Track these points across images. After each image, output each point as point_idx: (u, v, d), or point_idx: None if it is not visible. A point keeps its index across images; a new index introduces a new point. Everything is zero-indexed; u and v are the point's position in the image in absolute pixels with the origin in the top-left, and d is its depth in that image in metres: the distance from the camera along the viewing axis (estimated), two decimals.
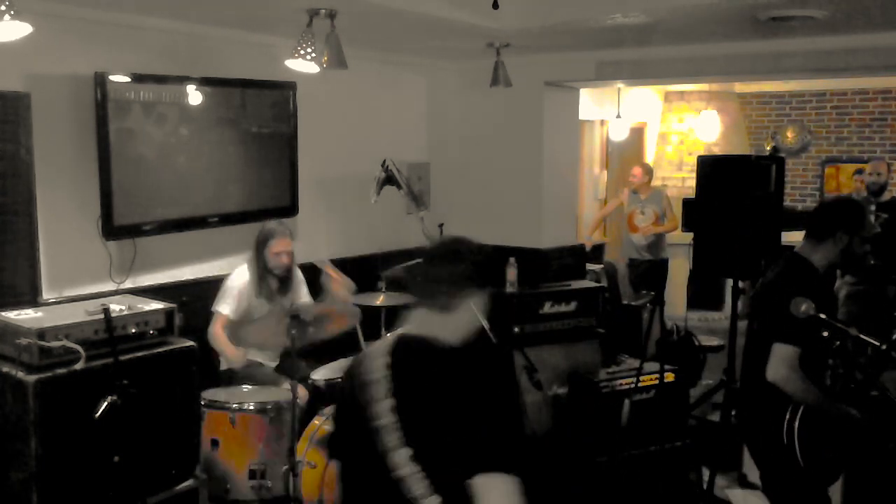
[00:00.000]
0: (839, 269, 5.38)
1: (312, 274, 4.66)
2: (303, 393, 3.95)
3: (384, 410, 1.88)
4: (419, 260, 2.15)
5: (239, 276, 4.33)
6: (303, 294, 4.53)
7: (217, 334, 4.22)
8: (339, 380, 2.17)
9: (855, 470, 3.34)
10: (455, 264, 2.04)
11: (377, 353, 2.00)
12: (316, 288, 4.62)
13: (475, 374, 1.96)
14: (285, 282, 4.38)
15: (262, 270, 4.30)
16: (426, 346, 2.01)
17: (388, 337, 2.07)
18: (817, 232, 3.17)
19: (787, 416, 2.95)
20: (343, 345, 4.47)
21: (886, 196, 6.29)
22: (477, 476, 1.80)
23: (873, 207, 6.14)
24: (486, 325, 2.80)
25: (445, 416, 1.85)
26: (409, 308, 2.11)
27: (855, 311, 6.00)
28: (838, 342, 3.09)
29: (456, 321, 2.04)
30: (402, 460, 1.84)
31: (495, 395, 1.99)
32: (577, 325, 5.14)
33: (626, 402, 4.50)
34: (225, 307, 4.25)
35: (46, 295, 4.03)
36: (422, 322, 2.06)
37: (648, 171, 7.53)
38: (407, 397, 1.89)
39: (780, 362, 2.94)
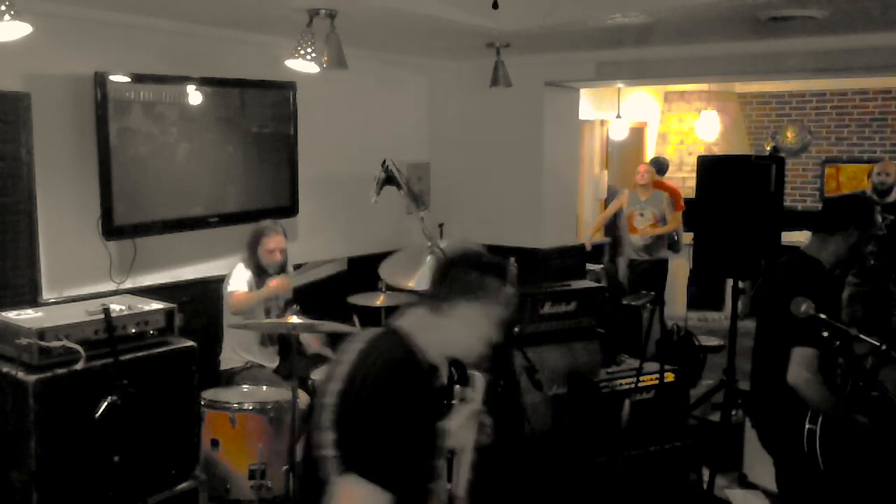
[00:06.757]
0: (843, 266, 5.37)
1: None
2: (303, 397, 3.95)
3: (332, 392, 1.86)
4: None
5: (241, 271, 4.34)
6: None
7: (240, 296, 4.23)
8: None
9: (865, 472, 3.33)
10: None
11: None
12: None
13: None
14: None
15: (256, 269, 4.32)
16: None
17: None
18: (828, 227, 3.13)
19: (807, 422, 2.91)
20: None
21: (892, 197, 6.28)
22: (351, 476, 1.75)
23: (879, 208, 6.13)
24: None
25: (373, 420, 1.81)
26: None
27: (859, 312, 6.00)
28: (838, 342, 3.08)
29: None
30: (327, 441, 1.81)
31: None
32: (577, 325, 5.13)
33: (626, 402, 4.50)
34: (240, 287, 4.26)
35: (46, 295, 4.02)
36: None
37: (651, 171, 7.53)
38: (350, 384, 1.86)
39: (802, 366, 2.90)
